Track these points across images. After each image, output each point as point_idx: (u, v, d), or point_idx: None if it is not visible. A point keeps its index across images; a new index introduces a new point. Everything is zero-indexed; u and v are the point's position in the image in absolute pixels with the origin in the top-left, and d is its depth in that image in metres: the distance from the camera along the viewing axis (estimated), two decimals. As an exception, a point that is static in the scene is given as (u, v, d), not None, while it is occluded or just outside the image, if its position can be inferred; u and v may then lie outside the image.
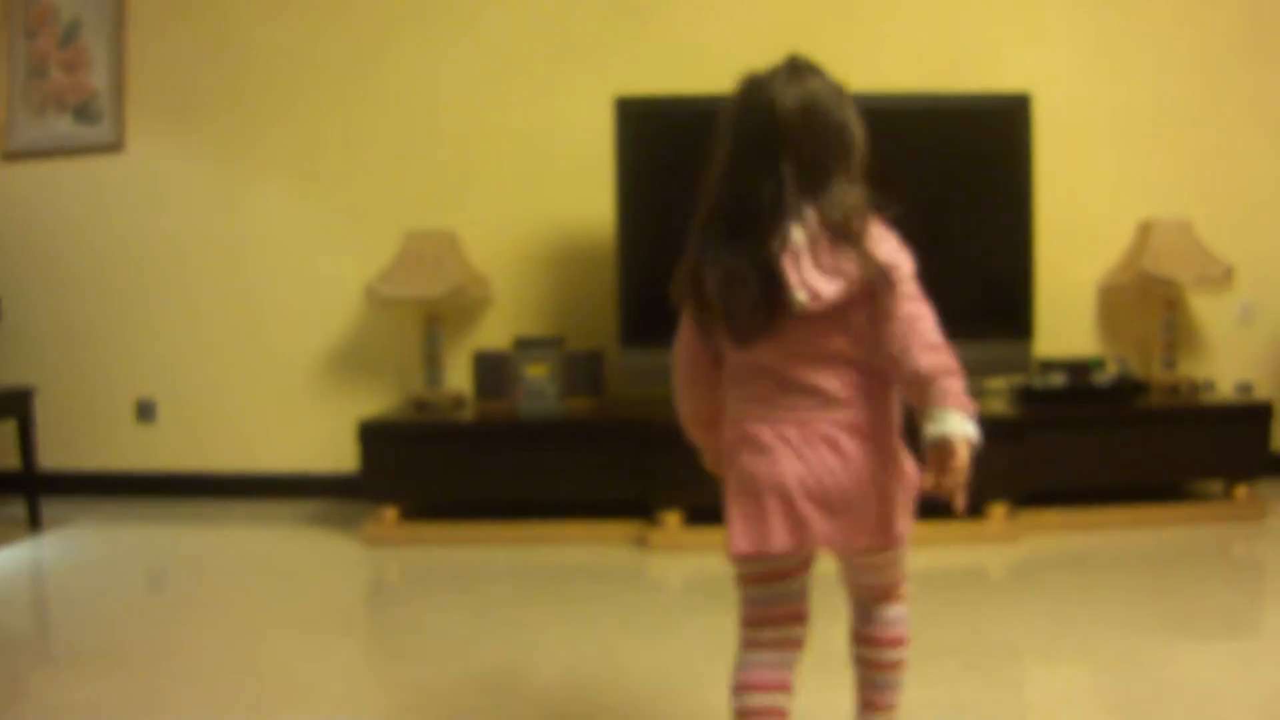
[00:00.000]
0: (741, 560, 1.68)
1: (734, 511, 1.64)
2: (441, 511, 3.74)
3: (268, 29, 4.18)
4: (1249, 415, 3.73)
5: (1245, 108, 4.32)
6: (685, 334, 1.80)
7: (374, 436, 3.63)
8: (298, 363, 4.25)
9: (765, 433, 1.62)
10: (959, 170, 3.67)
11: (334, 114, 4.18)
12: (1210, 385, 4.06)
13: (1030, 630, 2.66)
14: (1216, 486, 3.86)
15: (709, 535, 3.43)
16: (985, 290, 3.71)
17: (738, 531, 1.63)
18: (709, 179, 1.73)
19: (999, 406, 3.70)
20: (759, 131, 1.63)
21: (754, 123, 1.64)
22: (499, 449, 3.59)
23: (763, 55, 3.98)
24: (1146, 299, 4.17)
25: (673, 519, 3.49)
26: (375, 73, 4.17)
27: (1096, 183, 4.26)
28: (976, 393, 3.87)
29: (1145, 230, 4.07)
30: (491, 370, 3.81)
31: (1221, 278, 3.95)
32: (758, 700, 1.65)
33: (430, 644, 2.64)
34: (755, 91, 1.65)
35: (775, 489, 1.60)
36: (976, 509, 3.50)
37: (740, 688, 1.66)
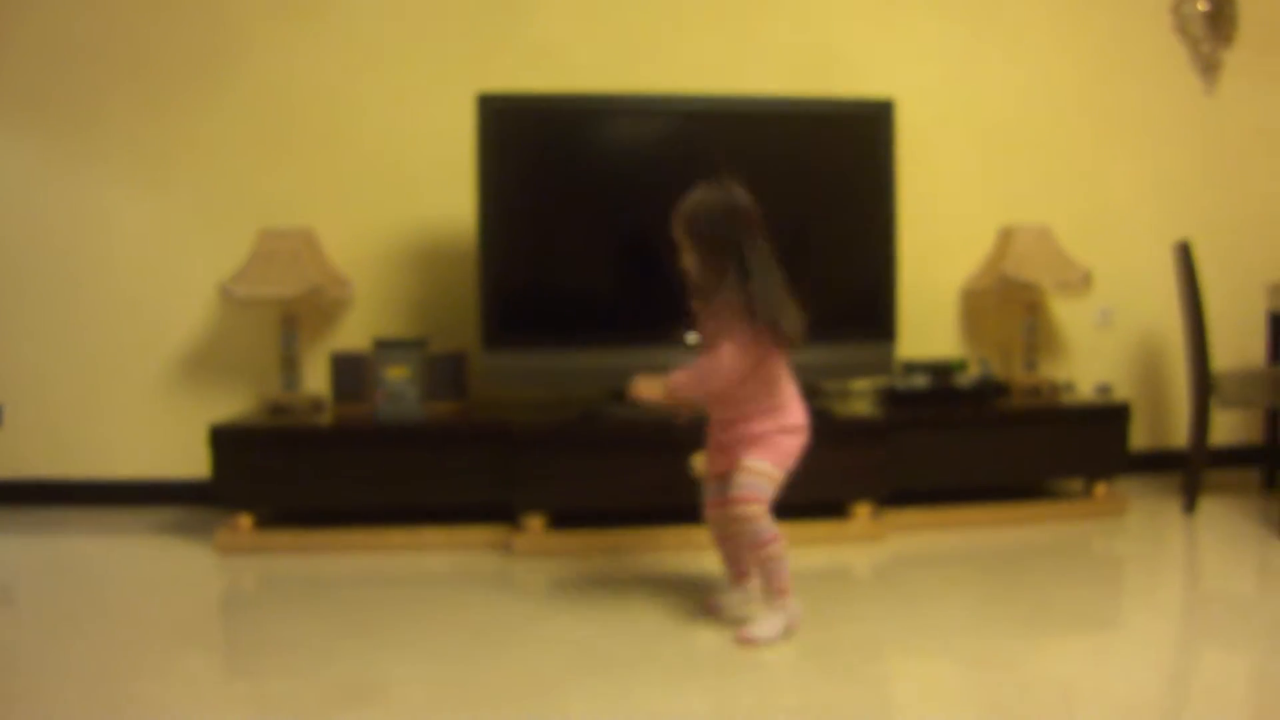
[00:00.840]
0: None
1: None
2: (299, 519, 3.61)
3: (115, 16, 3.99)
4: (1108, 415, 3.80)
5: (1103, 118, 4.43)
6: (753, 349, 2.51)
7: (226, 441, 3.48)
8: (151, 365, 4.07)
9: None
10: (823, 174, 3.68)
11: (187, 107, 4.01)
12: (1070, 386, 4.13)
13: (893, 629, 2.65)
14: (1077, 485, 3.93)
15: (574, 539, 3.38)
16: (849, 293, 3.72)
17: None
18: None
19: (863, 408, 3.71)
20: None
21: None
22: (358, 454, 3.47)
23: (627, 55, 3.99)
24: (1008, 302, 4.23)
25: (536, 523, 3.41)
26: (231, 64, 4.02)
27: (959, 189, 4.32)
28: (842, 394, 3.91)
29: (1006, 236, 4.14)
30: (350, 372, 3.69)
31: (1080, 283, 4.03)
32: None
33: (280, 657, 2.52)
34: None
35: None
36: (841, 509, 3.50)
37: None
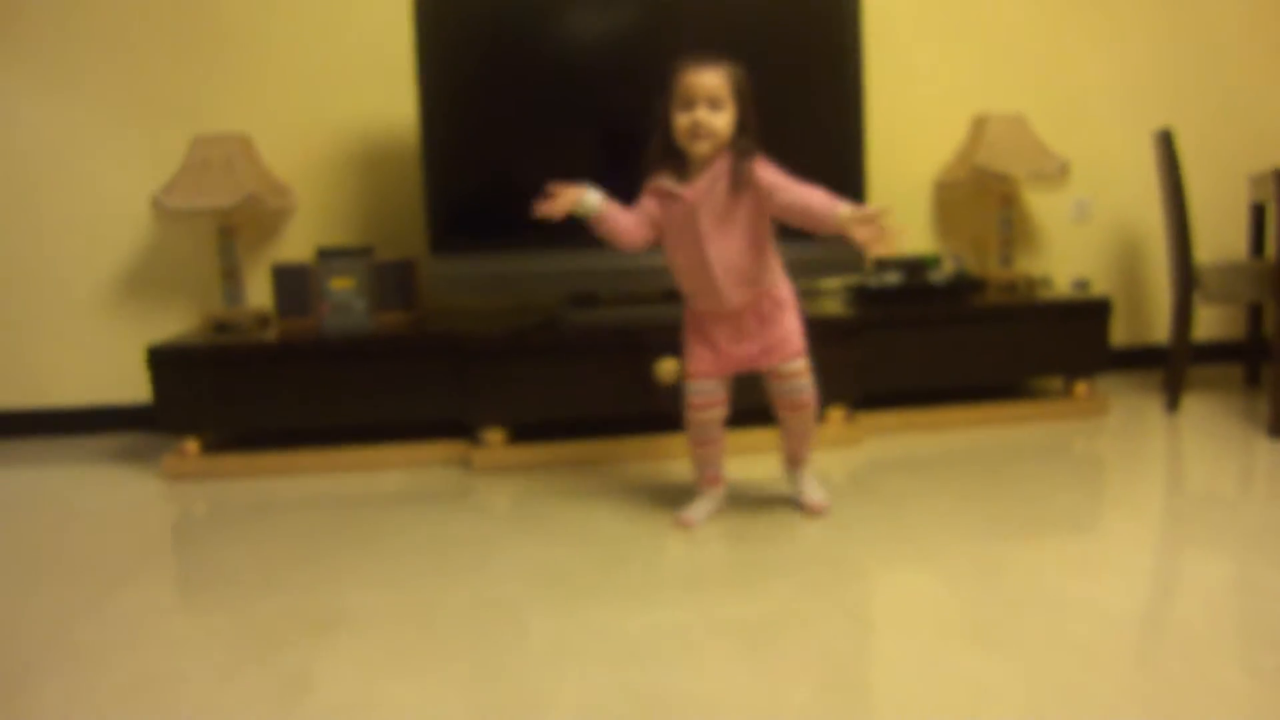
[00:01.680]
0: None
1: None
2: (248, 442, 3.43)
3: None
4: (1088, 311, 3.65)
5: (1077, 2, 4.22)
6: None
7: (165, 363, 3.29)
8: (85, 286, 3.84)
9: None
10: (784, 59, 3.45)
11: (108, 5, 3.73)
12: (1047, 281, 3.99)
13: (871, 538, 2.51)
14: (1057, 384, 3.81)
15: (536, 453, 3.23)
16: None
17: None
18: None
19: (834, 307, 3.55)
20: None
21: None
22: (304, 371, 3.29)
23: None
24: (982, 195, 4.07)
25: (496, 437, 3.25)
26: (153, -40, 3.74)
27: (929, 75, 4.13)
28: (811, 293, 3.74)
29: (979, 125, 3.96)
30: (293, 285, 3.48)
31: (1057, 173, 3.86)
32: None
33: (229, 589, 2.37)
34: None
35: None
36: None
37: None
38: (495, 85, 3.30)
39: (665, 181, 2.50)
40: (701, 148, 2.43)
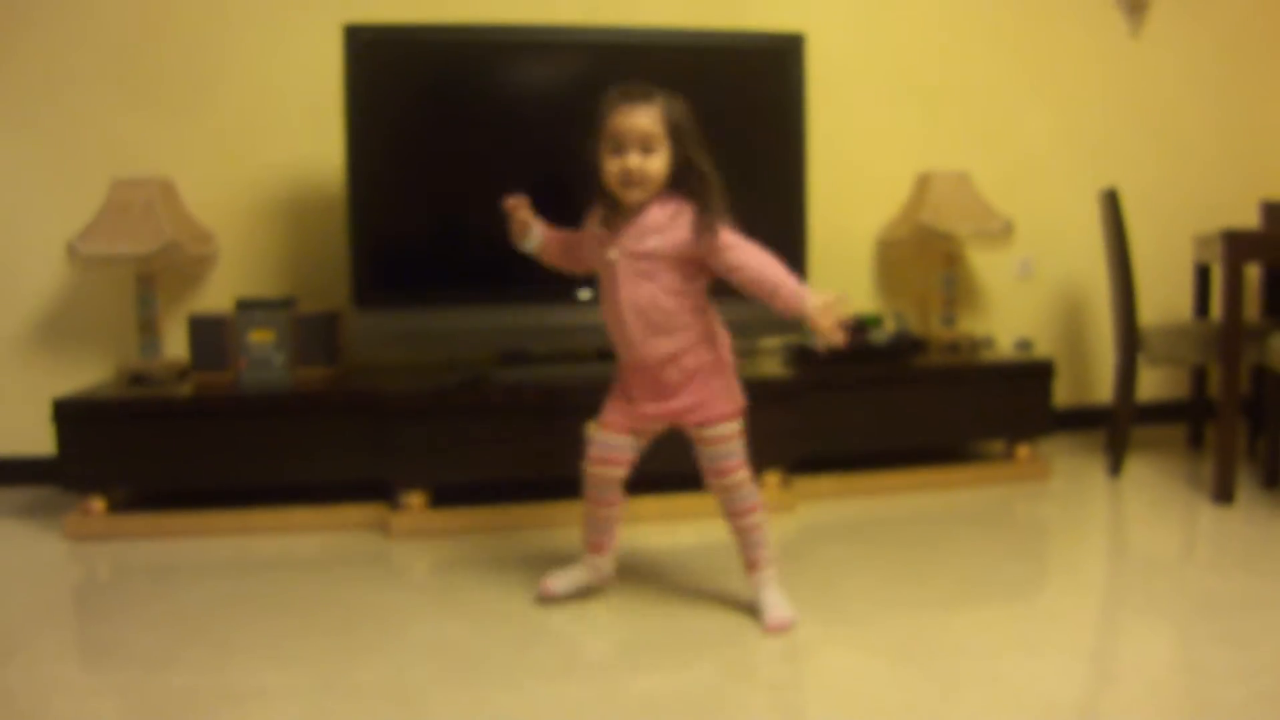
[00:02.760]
0: None
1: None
2: (157, 501, 3.27)
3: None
4: (1031, 373, 3.59)
5: (1025, 59, 4.21)
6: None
7: (71, 416, 3.12)
8: (-5, 333, 3.68)
9: None
10: (728, 115, 3.36)
11: (27, 41, 3.59)
12: (990, 342, 3.93)
13: (803, 613, 2.38)
14: (998, 446, 3.73)
15: (457, 517, 3.10)
16: (756, 244, 3.44)
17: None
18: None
19: (772, 368, 3.46)
20: None
21: None
22: (218, 428, 3.14)
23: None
24: (925, 253, 4.01)
25: (416, 500, 3.12)
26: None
27: (873, 132, 4.08)
28: (750, 353, 3.65)
29: (923, 182, 3.91)
30: (210, 337, 3.33)
31: (1001, 232, 3.81)
32: None
33: (117, 667, 2.21)
34: None
35: None
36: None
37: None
38: (425, 134, 3.20)
39: (593, 227, 2.36)
40: (634, 196, 2.23)
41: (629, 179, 2.22)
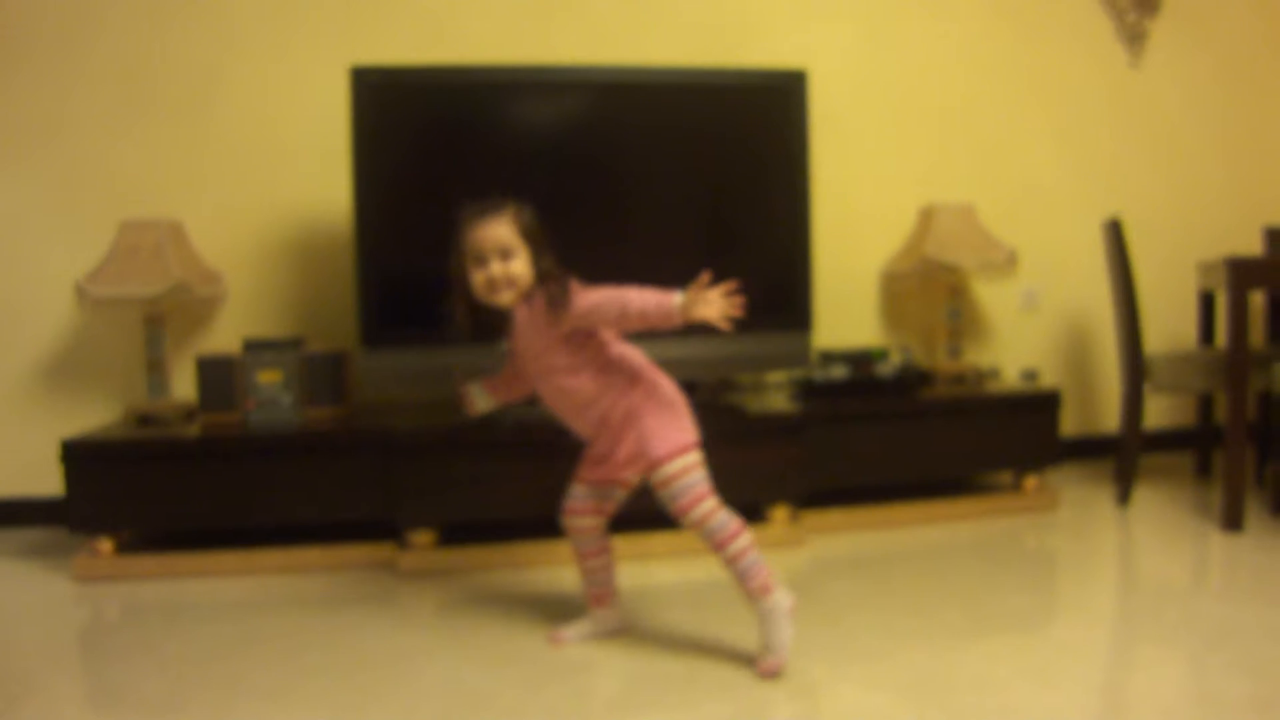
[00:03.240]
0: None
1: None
2: (165, 541, 3.27)
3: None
4: (1038, 404, 3.59)
5: (1027, 91, 4.23)
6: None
7: (80, 457, 3.13)
8: (4, 372, 3.69)
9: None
10: (732, 151, 3.41)
11: (37, 83, 3.63)
12: (996, 373, 3.93)
13: (812, 650, 2.38)
14: (1006, 478, 3.72)
15: (465, 556, 3.09)
16: (761, 279, 3.44)
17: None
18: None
19: (778, 402, 3.46)
20: None
21: None
22: (226, 468, 3.14)
23: (522, 23, 3.66)
24: (930, 285, 4.02)
25: (424, 539, 3.12)
26: (89, 38, 3.64)
27: (877, 165, 4.10)
28: (757, 388, 3.65)
29: (927, 215, 3.92)
30: (218, 378, 3.35)
31: (1005, 263, 3.82)
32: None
33: (133, 708, 2.20)
34: None
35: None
36: (757, 512, 3.24)
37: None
38: (431, 175, 3.22)
39: (504, 341, 2.47)
40: (506, 298, 2.35)
41: (494, 285, 2.33)
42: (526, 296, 2.35)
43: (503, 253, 2.32)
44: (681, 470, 2.29)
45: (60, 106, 3.64)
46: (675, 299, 2.16)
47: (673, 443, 2.31)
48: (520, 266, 2.33)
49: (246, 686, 2.29)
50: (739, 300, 2.14)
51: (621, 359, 2.39)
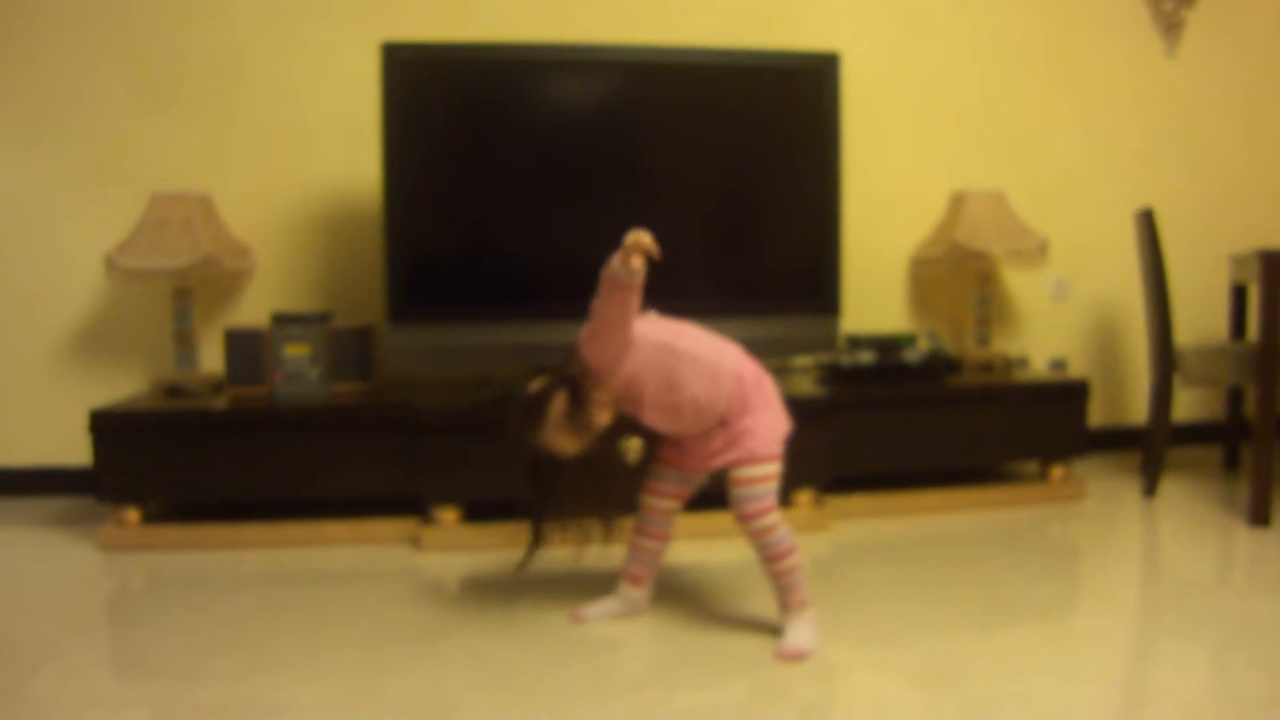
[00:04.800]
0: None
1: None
2: (191, 512, 3.30)
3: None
4: (1065, 394, 3.57)
5: (1060, 78, 4.19)
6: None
7: (108, 428, 3.16)
8: (33, 343, 3.71)
9: None
10: (762, 133, 3.40)
11: (68, 60, 3.65)
12: (1024, 362, 3.90)
13: (835, 635, 2.37)
14: (1032, 467, 3.70)
15: (489, 533, 3.10)
16: (790, 262, 3.46)
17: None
18: None
19: (805, 386, 3.45)
20: None
21: None
22: (253, 441, 3.16)
23: (543, 3, 3.64)
24: (959, 272, 3.99)
25: (449, 516, 3.12)
26: (118, 13, 3.65)
27: (908, 150, 4.07)
28: (784, 371, 3.64)
29: (958, 201, 3.89)
30: (246, 351, 3.37)
31: (1035, 251, 3.79)
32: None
33: (157, 673, 2.23)
34: None
35: None
36: (783, 497, 3.23)
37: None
38: (460, 152, 3.22)
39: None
40: (605, 418, 2.29)
41: (593, 429, 2.28)
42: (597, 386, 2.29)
43: (569, 430, 2.26)
44: (765, 476, 2.30)
45: (89, 84, 3.66)
46: (611, 262, 2.12)
47: (770, 445, 2.32)
48: (584, 420, 2.26)
49: (268, 656, 2.31)
50: (649, 240, 2.09)
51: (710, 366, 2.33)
